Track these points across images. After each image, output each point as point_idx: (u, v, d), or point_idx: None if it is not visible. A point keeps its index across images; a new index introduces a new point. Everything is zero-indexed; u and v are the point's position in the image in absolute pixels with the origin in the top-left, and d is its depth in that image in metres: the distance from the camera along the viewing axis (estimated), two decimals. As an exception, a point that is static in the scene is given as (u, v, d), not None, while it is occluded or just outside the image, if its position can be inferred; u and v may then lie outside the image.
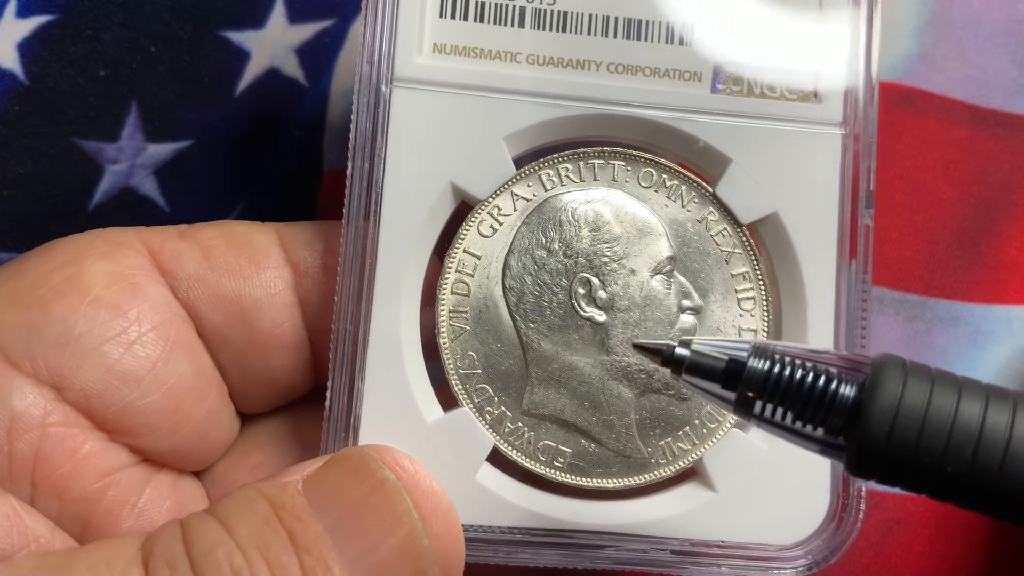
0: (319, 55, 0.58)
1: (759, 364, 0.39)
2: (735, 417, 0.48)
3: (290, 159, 0.59)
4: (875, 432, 0.37)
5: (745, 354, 0.40)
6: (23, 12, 0.53)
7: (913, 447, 0.37)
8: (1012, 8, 0.60)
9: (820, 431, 0.39)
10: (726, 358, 0.40)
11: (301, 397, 0.51)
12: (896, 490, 0.56)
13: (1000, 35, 0.60)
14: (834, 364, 0.39)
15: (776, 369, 0.39)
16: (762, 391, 0.39)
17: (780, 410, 0.39)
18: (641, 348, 0.43)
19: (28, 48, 0.54)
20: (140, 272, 0.47)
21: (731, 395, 0.40)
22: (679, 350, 0.41)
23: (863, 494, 0.48)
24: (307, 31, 0.58)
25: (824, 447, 0.39)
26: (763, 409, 0.40)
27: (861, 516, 0.48)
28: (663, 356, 0.41)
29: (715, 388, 0.40)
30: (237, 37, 0.56)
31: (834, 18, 0.50)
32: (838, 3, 0.50)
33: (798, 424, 0.39)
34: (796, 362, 0.39)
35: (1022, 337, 0.58)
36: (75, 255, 0.47)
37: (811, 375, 0.39)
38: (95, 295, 0.46)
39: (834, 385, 0.39)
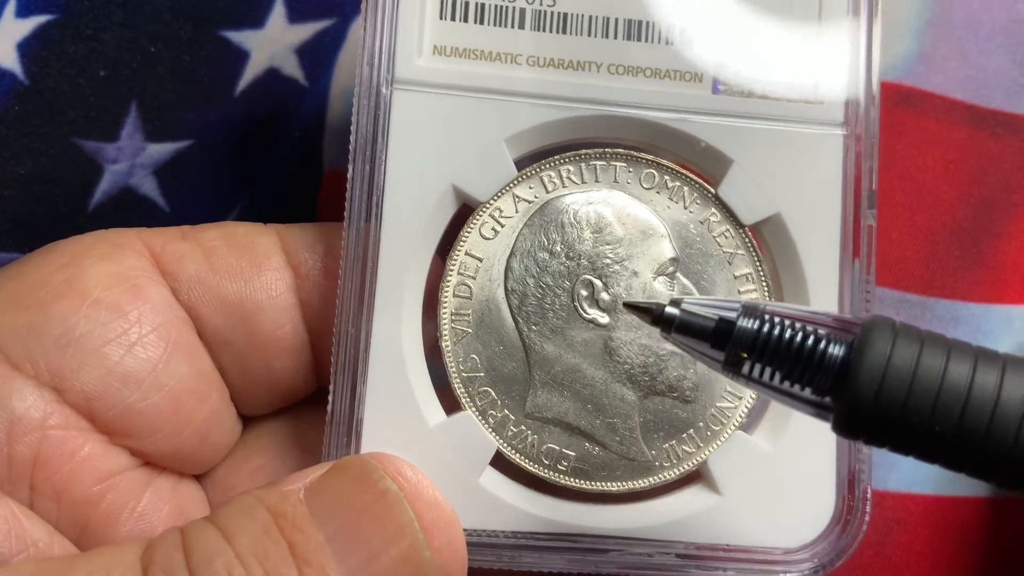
0: (319, 55, 0.58)
1: (749, 323, 0.39)
2: (739, 419, 0.48)
3: (290, 159, 0.59)
4: (863, 392, 0.37)
5: (735, 314, 0.40)
6: (23, 12, 0.53)
7: (901, 407, 0.37)
8: (1012, 8, 0.60)
9: (808, 391, 0.39)
10: (716, 317, 0.40)
11: (303, 399, 0.51)
12: (895, 489, 0.56)
13: (1000, 35, 0.60)
14: (824, 324, 0.39)
15: (765, 329, 0.39)
16: (751, 350, 0.39)
17: (769, 370, 0.39)
18: (632, 307, 0.43)
19: (28, 48, 0.54)
20: (141, 273, 0.47)
21: (720, 355, 0.40)
22: (669, 309, 0.41)
23: (868, 496, 0.48)
24: (307, 31, 0.58)
25: (813, 407, 0.39)
26: (752, 369, 0.40)
27: (867, 518, 0.48)
28: (653, 315, 0.41)
29: (704, 348, 0.40)
30: (237, 37, 0.56)
31: (834, 20, 0.50)
32: (837, 8, 0.50)
33: (787, 384, 0.39)
34: (786, 322, 0.39)
35: (1022, 337, 0.58)
36: (76, 256, 0.47)
37: (800, 335, 0.39)
38: (96, 296, 0.46)
39: (823, 345, 0.38)
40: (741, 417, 0.49)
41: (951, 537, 0.57)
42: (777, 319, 0.39)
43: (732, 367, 0.40)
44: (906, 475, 0.57)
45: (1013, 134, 0.59)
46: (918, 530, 0.57)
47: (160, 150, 0.56)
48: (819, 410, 0.39)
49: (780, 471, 0.48)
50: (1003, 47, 0.60)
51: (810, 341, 0.39)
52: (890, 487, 0.57)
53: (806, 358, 0.39)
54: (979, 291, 0.59)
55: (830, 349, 0.38)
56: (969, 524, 0.57)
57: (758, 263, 0.49)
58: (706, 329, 0.40)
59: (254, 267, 0.48)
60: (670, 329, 0.41)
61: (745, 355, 0.39)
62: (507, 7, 0.49)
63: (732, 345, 0.40)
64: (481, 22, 0.48)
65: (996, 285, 0.59)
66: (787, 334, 0.39)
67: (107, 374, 0.45)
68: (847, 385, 0.38)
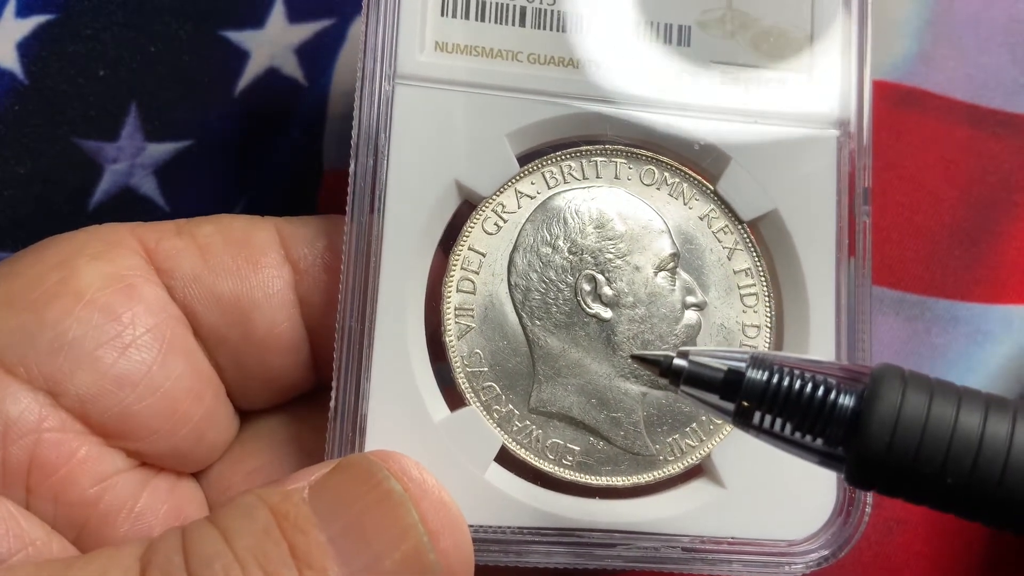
0: (319, 55, 0.58)
1: (757, 374, 0.39)
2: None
3: (290, 159, 0.59)
4: (874, 443, 0.37)
5: (744, 364, 0.39)
6: (23, 12, 0.53)
7: (913, 458, 0.37)
8: (1012, 8, 0.60)
9: (819, 442, 0.39)
10: (724, 368, 0.40)
11: (302, 395, 0.51)
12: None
13: (1000, 35, 0.60)
14: (833, 374, 0.39)
15: (775, 379, 0.39)
16: (761, 402, 0.39)
17: (779, 421, 0.39)
18: (640, 359, 0.42)
19: (28, 48, 0.54)
20: (135, 273, 0.47)
21: (730, 406, 0.40)
22: (677, 361, 0.40)
23: (870, 487, 0.49)
24: (307, 31, 0.58)
25: (824, 458, 0.39)
26: (762, 420, 0.39)
27: (868, 509, 0.48)
28: (661, 367, 0.41)
29: (714, 399, 0.40)
30: (237, 37, 0.57)
31: (827, 20, 0.50)
32: (830, 8, 0.50)
33: (797, 435, 0.39)
34: (795, 372, 0.39)
35: (1022, 337, 0.58)
36: (69, 255, 0.46)
37: (810, 385, 0.38)
38: (89, 298, 0.45)
39: (833, 395, 0.38)
40: (743, 411, 0.49)
41: (951, 537, 0.57)
42: (786, 369, 0.39)
43: (742, 419, 0.40)
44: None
45: (1013, 134, 0.59)
46: (918, 530, 0.57)
47: (160, 150, 0.56)
48: (831, 461, 0.39)
49: (782, 463, 0.48)
50: (1003, 47, 0.60)
51: (820, 392, 0.38)
52: (891, 487, 0.57)
53: (816, 409, 0.38)
54: (979, 291, 0.59)
55: (840, 399, 0.38)
56: (969, 525, 0.57)
57: (757, 259, 0.50)
58: (715, 380, 0.40)
59: (250, 264, 0.48)
60: (679, 381, 0.41)
61: (755, 407, 0.39)
62: (508, 5, 0.49)
63: (742, 397, 0.39)
64: (482, 19, 0.49)
65: (996, 285, 0.59)
66: (797, 385, 0.39)
67: (101, 377, 0.45)
68: (858, 437, 0.37)
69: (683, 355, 0.40)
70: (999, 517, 0.38)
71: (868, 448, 0.37)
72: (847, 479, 0.39)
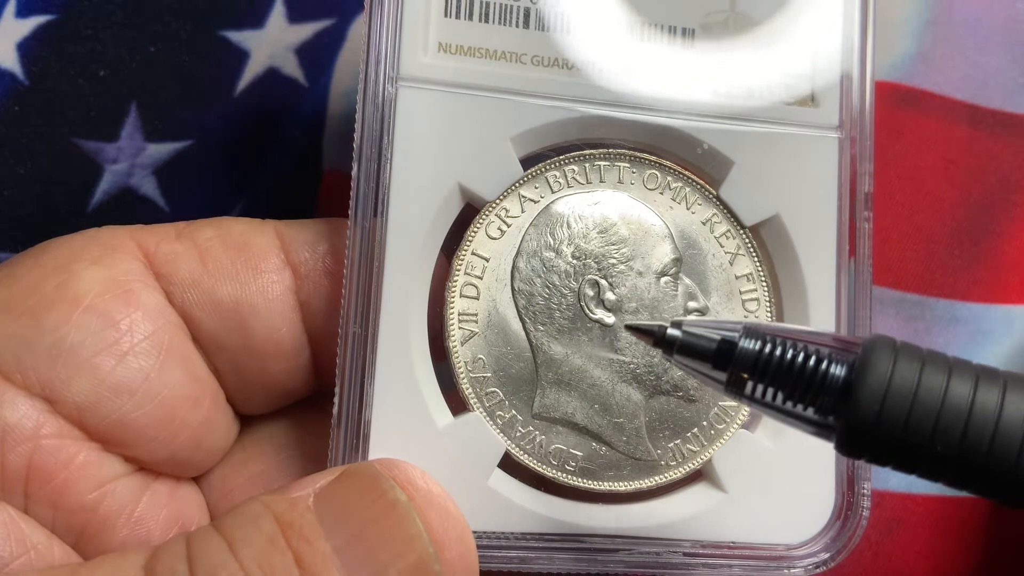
0: (319, 55, 0.58)
1: (750, 344, 0.40)
2: (742, 417, 0.49)
3: (290, 159, 0.59)
4: (864, 411, 0.37)
5: (736, 335, 0.40)
6: (23, 12, 0.53)
7: (903, 426, 0.37)
8: (1012, 8, 0.60)
9: (811, 411, 0.39)
10: (718, 338, 0.40)
11: (303, 399, 0.51)
12: (895, 489, 0.56)
13: (1000, 35, 0.60)
14: (825, 344, 0.39)
15: (767, 349, 0.39)
16: (753, 371, 0.39)
17: (771, 390, 0.39)
18: (634, 329, 0.43)
19: (28, 48, 0.53)
20: (134, 278, 0.46)
21: (722, 376, 0.40)
22: (671, 331, 0.41)
23: (867, 491, 0.49)
24: (307, 31, 0.58)
25: (815, 427, 0.39)
26: (754, 389, 0.40)
27: (866, 513, 0.49)
28: (655, 337, 0.41)
29: (706, 368, 0.40)
30: (237, 37, 0.56)
31: (829, 25, 0.50)
32: (832, 14, 0.51)
33: (789, 404, 0.39)
34: (787, 342, 0.39)
35: (1022, 337, 0.59)
36: (67, 260, 0.46)
37: (802, 355, 0.39)
38: (87, 304, 0.45)
39: (824, 365, 0.39)
40: (744, 415, 0.49)
41: (951, 537, 0.57)
42: (779, 340, 0.39)
43: (734, 388, 0.40)
44: (907, 475, 0.57)
45: (1013, 134, 0.60)
46: (918, 530, 0.57)
47: (160, 150, 0.56)
48: (822, 430, 0.39)
49: (782, 468, 0.49)
50: (1003, 47, 0.60)
51: (812, 361, 0.39)
52: (890, 487, 0.57)
53: (808, 378, 0.39)
54: (979, 291, 0.59)
55: (832, 369, 0.39)
56: (969, 524, 0.58)
57: (758, 264, 0.50)
58: (708, 350, 0.40)
59: (250, 269, 0.47)
60: (672, 351, 0.41)
61: (747, 376, 0.40)
62: (511, 6, 0.48)
63: (734, 366, 0.40)
64: (486, 20, 0.48)
65: (996, 285, 0.59)
66: (789, 354, 0.39)
67: (99, 385, 0.44)
68: (848, 405, 0.38)
69: (677, 325, 0.41)
70: (987, 486, 0.38)
71: (858, 417, 0.37)
72: (837, 447, 0.39)
